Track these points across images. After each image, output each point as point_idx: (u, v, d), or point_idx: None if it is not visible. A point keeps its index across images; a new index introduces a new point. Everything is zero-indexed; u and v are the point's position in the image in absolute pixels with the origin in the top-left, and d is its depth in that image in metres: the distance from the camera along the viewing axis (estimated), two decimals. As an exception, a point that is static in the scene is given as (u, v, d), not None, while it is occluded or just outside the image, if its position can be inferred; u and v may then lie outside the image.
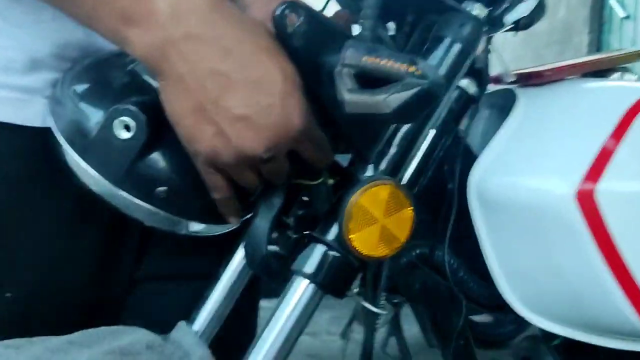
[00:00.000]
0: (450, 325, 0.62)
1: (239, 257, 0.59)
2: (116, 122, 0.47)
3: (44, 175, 0.55)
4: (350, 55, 0.39)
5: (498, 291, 0.59)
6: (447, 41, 0.48)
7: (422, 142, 0.53)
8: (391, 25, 0.56)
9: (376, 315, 0.54)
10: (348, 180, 0.51)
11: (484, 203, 0.56)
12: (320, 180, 0.50)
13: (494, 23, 0.52)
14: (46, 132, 0.52)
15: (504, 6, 0.52)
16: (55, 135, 0.50)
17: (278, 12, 0.43)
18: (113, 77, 0.52)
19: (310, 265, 0.49)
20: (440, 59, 0.47)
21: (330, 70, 0.45)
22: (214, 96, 0.44)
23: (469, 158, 0.61)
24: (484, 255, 0.56)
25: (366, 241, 0.47)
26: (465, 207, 0.59)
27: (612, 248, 0.51)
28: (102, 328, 0.55)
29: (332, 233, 0.50)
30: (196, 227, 0.54)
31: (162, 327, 0.58)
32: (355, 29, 0.51)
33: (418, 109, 0.37)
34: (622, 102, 0.56)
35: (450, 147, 0.58)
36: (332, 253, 0.49)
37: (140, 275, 0.65)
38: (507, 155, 0.57)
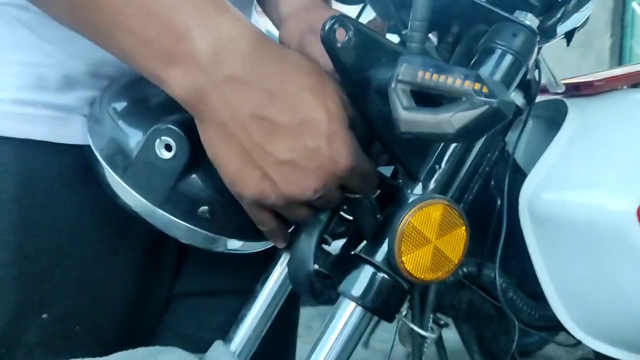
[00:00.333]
0: (498, 346, 0.59)
1: (277, 273, 0.58)
2: (157, 142, 0.46)
3: (83, 195, 0.55)
4: (405, 71, 0.37)
5: (548, 311, 0.57)
6: (498, 52, 0.46)
7: (468, 158, 0.51)
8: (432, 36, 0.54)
9: (424, 338, 0.52)
10: (394, 196, 0.49)
11: (537, 220, 0.54)
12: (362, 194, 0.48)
13: (546, 33, 0.50)
14: (85, 150, 0.52)
15: (557, 16, 0.49)
16: (95, 154, 0.49)
17: (327, 27, 0.41)
18: (152, 94, 0.51)
19: (358, 288, 0.47)
20: (492, 71, 0.45)
21: (380, 86, 0.43)
22: (258, 141, 0.42)
23: (516, 172, 0.59)
24: (537, 275, 0.54)
25: (418, 263, 0.45)
26: (513, 225, 0.56)
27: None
28: (140, 349, 0.54)
29: (380, 254, 0.48)
30: (234, 244, 0.53)
31: (198, 344, 0.57)
32: (392, 38, 0.50)
33: (483, 129, 0.35)
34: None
35: (496, 161, 0.56)
36: (381, 275, 0.47)
37: (177, 292, 0.64)
38: (560, 169, 0.54)
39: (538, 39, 0.48)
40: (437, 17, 0.45)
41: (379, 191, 0.53)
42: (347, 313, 0.48)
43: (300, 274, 0.48)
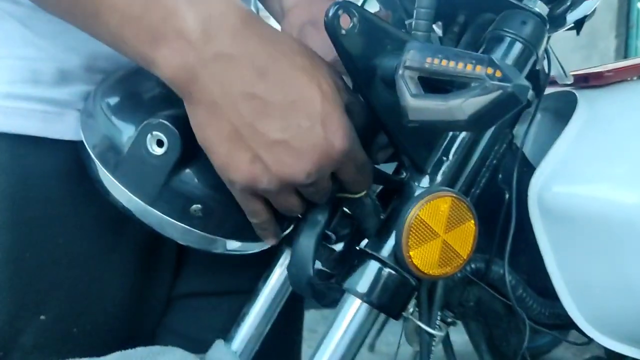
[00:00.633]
0: (508, 345, 0.58)
1: (278, 271, 0.57)
2: (149, 138, 0.45)
3: (77, 191, 0.53)
4: (413, 57, 0.36)
5: (559, 309, 0.55)
6: (507, 40, 0.45)
7: (477, 150, 0.49)
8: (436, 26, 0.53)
9: (431, 336, 0.50)
10: (400, 190, 0.48)
11: (546, 214, 0.52)
12: (363, 193, 0.47)
13: (555, 21, 0.48)
14: (78, 146, 0.50)
15: (567, 4, 0.48)
16: (87, 150, 0.48)
17: (330, 13, 0.40)
18: (145, 89, 0.50)
19: (364, 284, 0.46)
20: (502, 60, 0.43)
21: (385, 74, 0.42)
22: (249, 121, 0.41)
23: (524, 166, 0.57)
24: (547, 271, 0.52)
25: (426, 258, 0.43)
26: (521, 219, 0.55)
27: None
28: (140, 349, 0.53)
29: (386, 249, 0.46)
30: (233, 245, 0.51)
31: (199, 345, 0.55)
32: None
33: (497, 115, 0.34)
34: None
35: (504, 154, 0.55)
36: (387, 270, 0.46)
37: (177, 292, 0.63)
38: (570, 162, 0.53)
39: (547, 27, 0.46)
40: (443, 6, 0.44)
41: (380, 187, 0.52)
42: (353, 310, 0.46)
43: (300, 278, 0.47)
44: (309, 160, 0.41)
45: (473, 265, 0.55)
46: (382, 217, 0.48)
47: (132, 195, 0.46)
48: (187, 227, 0.47)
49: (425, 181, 0.46)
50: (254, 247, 0.53)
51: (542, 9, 0.46)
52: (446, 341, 0.60)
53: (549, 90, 0.60)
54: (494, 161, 0.53)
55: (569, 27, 0.51)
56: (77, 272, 0.55)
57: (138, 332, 0.60)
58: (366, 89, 0.43)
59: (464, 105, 0.32)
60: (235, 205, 0.46)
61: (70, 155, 0.52)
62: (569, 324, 0.55)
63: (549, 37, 0.50)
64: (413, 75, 0.36)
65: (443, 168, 0.46)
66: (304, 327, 0.70)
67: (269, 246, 0.53)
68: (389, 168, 0.51)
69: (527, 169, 0.56)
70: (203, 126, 0.42)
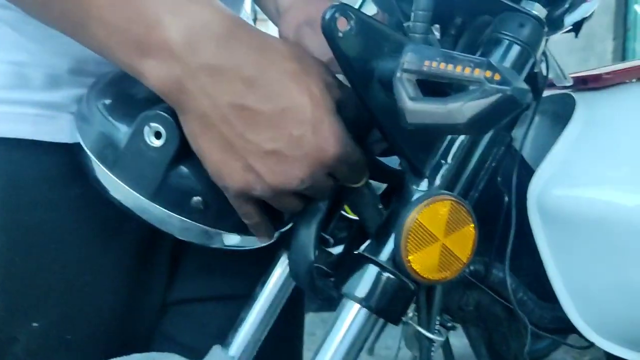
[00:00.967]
0: (508, 349, 0.57)
1: (277, 274, 0.56)
2: (146, 130, 0.44)
3: (71, 196, 0.53)
4: (411, 60, 0.36)
5: (560, 313, 0.55)
6: (505, 43, 0.44)
7: (476, 153, 0.49)
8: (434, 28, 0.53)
9: (431, 341, 0.50)
10: (399, 192, 0.47)
11: (546, 217, 0.52)
12: (363, 182, 0.47)
13: (553, 24, 0.48)
14: (73, 149, 0.50)
15: (565, 6, 0.48)
16: (84, 149, 0.48)
17: (327, 15, 0.40)
18: (139, 88, 0.49)
19: (363, 289, 0.46)
20: (500, 62, 0.43)
21: (383, 77, 0.42)
22: (240, 131, 0.41)
23: (523, 169, 0.57)
24: (547, 274, 0.52)
25: (425, 262, 0.43)
26: (521, 222, 0.54)
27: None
28: (134, 355, 0.52)
29: (385, 253, 0.46)
30: (231, 240, 0.51)
31: (196, 351, 0.55)
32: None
33: (497, 119, 0.33)
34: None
35: (502, 157, 0.54)
36: (386, 275, 0.45)
37: (173, 298, 0.62)
38: (569, 165, 0.53)
39: (546, 29, 0.46)
40: (440, 9, 0.44)
41: (383, 189, 0.51)
42: (351, 315, 0.46)
43: (300, 264, 0.46)
44: (301, 169, 0.41)
45: (472, 267, 0.55)
46: (380, 207, 0.47)
47: (131, 190, 0.45)
48: (187, 220, 0.46)
49: (424, 184, 0.46)
50: (252, 243, 0.52)
51: (540, 11, 0.46)
52: (446, 346, 0.60)
53: (547, 92, 0.59)
54: (493, 164, 0.53)
55: (567, 29, 0.51)
56: (70, 278, 0.54)
57: (133, 338, 0.60)
58: (363, 92, 0.43)
59: (463, 108, 0.32)
60: None
61: (63, 160, 0.52)
62: (569, 328, 0.55)
63: (547, 40, 0.50)
64: (411, 78, 0.36)
65: (442, 171, 0.46)
66: (304, 330, 0.70)
67: (268, 243, 0.53)
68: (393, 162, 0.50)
69: (526, 171, 0.56)
70: (195, 135, 0.42)
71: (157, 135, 0.44)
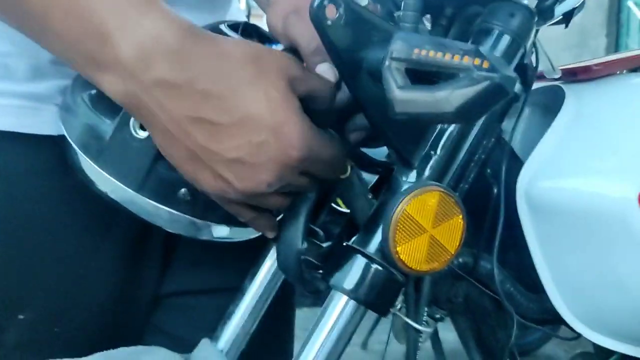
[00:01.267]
0: (496, 341, 0.57)
1: (266, 267, 0.56)
2: (132, 121, 0.44)
3: (59, 188, 0.52)
4: (400, 48, 0.35)
5: (548, 304, 0.55)
6: (495, 33, 0.44)
7: (465, 144, 0.49)
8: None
9: (419, 332, 0.50)
10: (387, 184, 0.47)
11: (535, 209, 0.52)
12: (347, 174, 0.46)
13: (543, 14, 0.48)
14: (59, 142, 0.49)
15: (555, -4, 0.47)
16: (68, 140, 0.47)
17: (316, 3, 0.39)
18: None
19: (351, 280, 0.45)
20: (489, 52, 0.43)
21: (372, 67, 0.41)
22: (201, 143, 0.40)
23: (512, 160, 0.57)
24: (535, 266, 0.52)
25: (413, 254, 0.43)
26: (510, 214, 0.54)
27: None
28: (121, 349, 0.52)
29: (373, 244, 0.46)
30: (220, 232, 0.50)
31: (188, 344, 0.55)
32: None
33: (484, 107, 0.33)
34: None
35: (492, 149, 0.54)
36: (374, 266, 0.45)
37: (165, 291, 0.62)
38: (558, 156, 0.53)
39: (536, 19, 0.46)
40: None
41: (374, 181, 0.51)
42: (339, 307, 0.46)
43: (288, 255, 0.46)
44: (267, 173, 0.41)
45: (460, 260, 0.55)
46: (370, 197, 0.47)
47: (117, 182, 0.45)
48: (174, 212, 0.46)
49: (412, 175, 0.46)
50: (242, 234, 0.52)
51: (530, 1, 0.46)
52: (435, 338, 0.60)
53: (537, 85, 0.59)
54: (483, 156, 0.53)
55: (557, 20, 0.51)
56: (59, 271, 0.54)
57: (124, 331, 0.59)
58: (352, 82, 0.42)
59: (451, 96, 0.32)
60: None
61: (50, 152, 0.51)
62: (557, 320, 0.55)
63: (537, 30, 0.50)
64: (400, 66, 0.35)
65: (431, 162, 0.46)
66: (296, 324, 0.70)
67: (258, 234, 0.52)
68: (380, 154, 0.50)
69: (516, 163, 0.56)
70: (163, 147, 0.43)
71: (143, 127, 0.44)
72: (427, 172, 0.46)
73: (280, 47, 0.49)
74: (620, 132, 0.52)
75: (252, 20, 0.55)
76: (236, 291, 0.56)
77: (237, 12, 0.67)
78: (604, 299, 0.51)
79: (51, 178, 0.52)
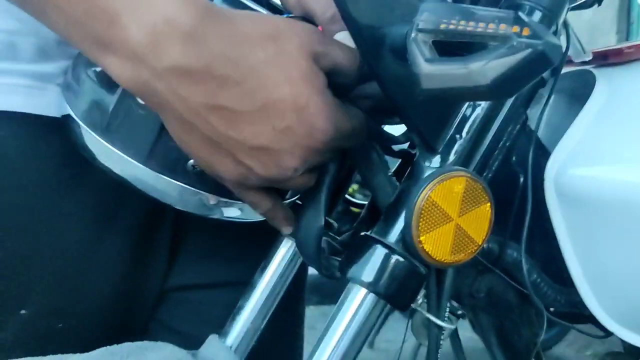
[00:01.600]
0: (520, 338, 0.54)
1: (277, 260, 0.54)
2: None
3: (63, 176, 0.50)
4: (427, 19, 0.33)
5: (576, 297, 0.52)
6: (526, 8, 0.41)
7: (492, 128, 0.46)
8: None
9: (441, 329, 0.47)
10: (409, 170, 0.44)
11: (564, 198, 0.49)
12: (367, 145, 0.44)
13: (577, -10, 0.45)
14: (64, 120, 0.47)
15: (587, -28, 0.45)
16: (71, 115, 0.45)
17: (335, -26, 0.37)
18: None
19: (370, 272, 0.43)
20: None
21: (395, 43, 0.38)
22: (221, 131, 0.38)
23: (538, 149, 0.54)
24: (564, 258, 0.49)
25: (438, 244, 0.40)
26: (536, 204, 0.51)
27: None
28: (126, 344, 0.50)
29: (394, 234, 0.43)
30: (231, 212, 0.47)
31: (195, 340, 0.53)
32: None
33: (524, 79, 0.30)
34: None
35: (517, 136, 0.51)
36: (395, 257, 0.42)
37: (171, 285, 0.59)
38: (589, 144, 0.50)
39: (568, -3, 0.43)
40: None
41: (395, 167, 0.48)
42: (358, 301, 0.43)
43: (309, 231, 0.43)
44: (292, 159, 0.39)
45: (486, 246, 0.52)
46: (390, 174, 0.45)
47: (122, 155, 0.42)
48: (183, 185, 0.43)
49: (436, 161, 0.43)
50: (253, 215, 0.48)
51: (564, -26, 0.43)
52: (454, 336, 0.57)
53: (564, 70, 0.56)
54: (507, 143, 0.50)
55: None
56: (61, 264, 0.51)
57: (128, 327, 0.57)
58: (374, 60, 0.40)
59: (486, 68, 0.29)
60: None
61: (53, 136, 0.48)
62: (585, 315, 0.52)
63: (569, 9, 0.47)
64: (427, 39, 0.33)
65: (456, 147, 0.43)
66: (304, 323, 0.67)
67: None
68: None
69: (542, 152, 0.53)
70: (177, 134, 0.40)
71: None
72: (451, 157, 0.43)
73: None
74: (655, 117, 0.49)
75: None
76: (245, 285, 0.54)
77: None
78: (637, 294, 0.48)
79: (55, 165, 0.50)
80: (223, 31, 0.37)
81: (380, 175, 0.44)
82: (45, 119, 0.48)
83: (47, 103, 0.48)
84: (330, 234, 0.50)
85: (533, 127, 0.53)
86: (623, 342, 0.53)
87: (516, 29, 0.29)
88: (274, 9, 0.47)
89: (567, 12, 0.46)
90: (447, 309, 0.48)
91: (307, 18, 0.44)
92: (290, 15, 0.46)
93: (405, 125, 0.44)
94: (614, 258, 0.48)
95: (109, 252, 0.53)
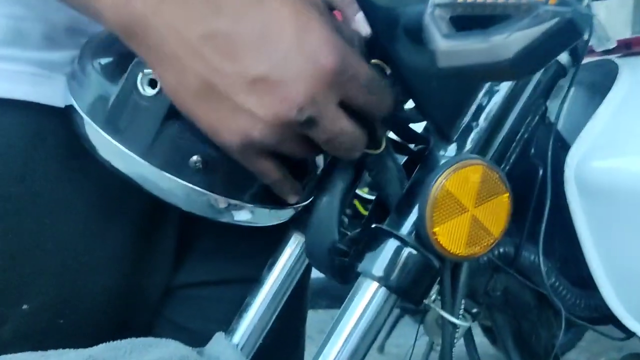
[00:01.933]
0: (538, 339, 0.52)
1: (285, 256, 0.52)
2: (140, 77, 0.40)
3: (67, 167, 0.48)
4: (444, -7, 0.31)
5: (596, 301, 0.50)
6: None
7: (510, 116, 0.44)
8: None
9: (455, 327, 0.45)
10: (421, 161, 0.43)
11: (586, 192, 0.47)
12: (383, 147, 0.42)
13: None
14: (67, 111, 0.46)
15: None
16: (74, 105, 0.43)
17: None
18: None
19: (381, 265, 0.41)
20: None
21: (409, 22, 0.37)
22: (216, 64, 0.36)
23: (558, 141, 0.52)
24: (585, 256, 0.47)
25: (453, 236, 0.38)
26: (555, 199, 0.49)
27: None
28: (130, 340, 0.49)
29: (406, 226, 0.41)
30: (242, 214, 0.45)
31: (200, 337, 0.51)
32: None
33: (551, 52, 0.28)
34: None
35: (535, 128, 0.49)
36: (407, 250, 0.40)
37: (178, 282, 0.58)
38: (611, 134, 0.48)
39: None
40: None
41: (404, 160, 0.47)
42: (369, 295, 0.41)
43: (321, 244, 0.42)
44: (297, 92, 0.35)
45: (501, 249, 0.50)
46: (405, 183, 0.43)
47: (122, 148, 0.40)
48: (184, 183, 0.41)
49: (451, 150, 0.41)
50: (265, 220, 0.46)
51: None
52: (468, 335, 0.55)
53: (585, 60, 0.54)
54: (526, 135, 0.48)
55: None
56: (64, 257, 0.50)
57: (132, 323, 0.55)
58: (388, 42, 0.38)
59: (509, 40, 0.27)
60: None
61: (58, 127, 0.47)
62: (606, 317, 0.50)
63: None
64: (444, 14, 0.31)
65: (472, 135, 0.41)
66: (312, 326, 0.66)
67: (286, 219, 0.48)
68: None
69: (561, 143, 0.51)
70: (174, 88, 0.38)
71: (152, 83, 0.39)
72: (468, 146, 0.41)
73: None
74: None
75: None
76: (252, 283, 0.52)
77: None
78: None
79: (60, 155, 0.48)
80: None
81: (394, 184, 0.42)
82: (51, 108, 0.47)
83: (53, 92, 0.47)
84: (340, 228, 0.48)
85: (552, 119, 0.51)
86: (646, 345, 0.50)
87: (542, -4, 0.27)
88: None
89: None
90: (462, 306, 0.46)
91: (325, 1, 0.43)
92: None
93: (420, 112, 0.42)
94: (638, 254, 0.46)
95: (113, 247, 0.52)
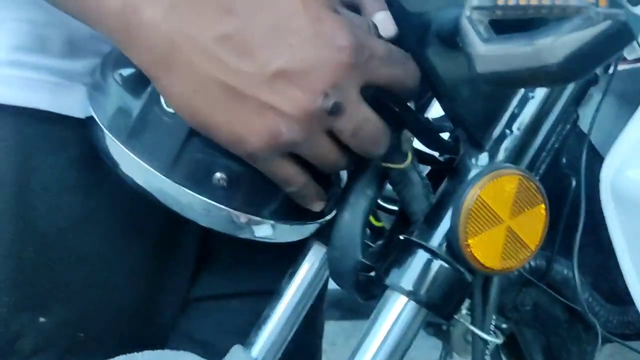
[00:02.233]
0: (569, 355, 0.50)
1: (305, 268, 0.50)
2: None
3: (90, 180, 0.48)
4: (483, -5, 0.29)
5: (630, 317, 0.48)
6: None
7: (546, 123, 0.42)
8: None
9: (486, 343, 0.43)
10: (454, 168, 0.41)
11: (622, 204, 0.45)
12: (408, 161, 0.40)
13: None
14: (88, 123, 0.45)
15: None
16: (94, 118, 0.42)
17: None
18: None
19: (410, 278, 0.39)
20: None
21: (442, 27, 0.36)
22: (233, 67, 0.35)
23: (590, 151, 0.50)
24: (622, 270, 0.45)
25: (488, 248, 0.37)
26: (587, 212, 0.48)
27: None
28: (146, 352, 0.48)
29: (437, 237, 0.39)
30: (263, 230, 0.44)
31: (215, 352, 0.50)
32: None
33: (600, 57, 0.26)
34: None
35: (567, 136, 0.48)
36: (438, 262, 0.39)
37: (196, 295, 0.57)
38: (648, 144, 0.46)
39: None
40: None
41: (428, 169, 0.45)
42: (397, 309, 0.39)
43: (344, 262, 0.41)
44: (319, 79, 0.35)
45: (532, 263, 0.48)
46: (431, 201, 0.41)
47: (145, 165, 0.39)
48: (208, 201, 0.40)
49: (483, 158, 0.40)
50: (287, 236, 0.45)
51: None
52: (496, 355, 0.53)
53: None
54: (556, 144, 0.47)
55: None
56: (85, 272, 0.49)
57: (150, 337, 0.54)
58: (419, 49, 0.37)
59: (557, 44, 0.25)
60: (264, 174, 0.40)
61: (81, 138, 0.46)
62: (638, 335, 0.48)
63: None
64: (483, 17, 0.29)
65: (505, 143, 0.40)
66: (325, 339, 0.64)
67: (308, 235, 0.46)
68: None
69: (593, 153, 0.50)
70: (188, 99, 0.36)
71: None
72: (501, 155, 0.39)
73: None
74: None
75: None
76: (268, 294, 0.51)
77: None
78: None
79: (80, 169, 0.47)
80: None
81: (420, 200, 0.41)
82: (72, 119, 0.46)
83: (73, 102, 0.46)
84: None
85: (584, 128, 0.49)
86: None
87: (592, -1, 0.26)
88: None
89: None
90: (492, 322, 0.45)
91: None
92: None
93: (451, 119, 0.40)
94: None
95: (134, 262, 0.51)
